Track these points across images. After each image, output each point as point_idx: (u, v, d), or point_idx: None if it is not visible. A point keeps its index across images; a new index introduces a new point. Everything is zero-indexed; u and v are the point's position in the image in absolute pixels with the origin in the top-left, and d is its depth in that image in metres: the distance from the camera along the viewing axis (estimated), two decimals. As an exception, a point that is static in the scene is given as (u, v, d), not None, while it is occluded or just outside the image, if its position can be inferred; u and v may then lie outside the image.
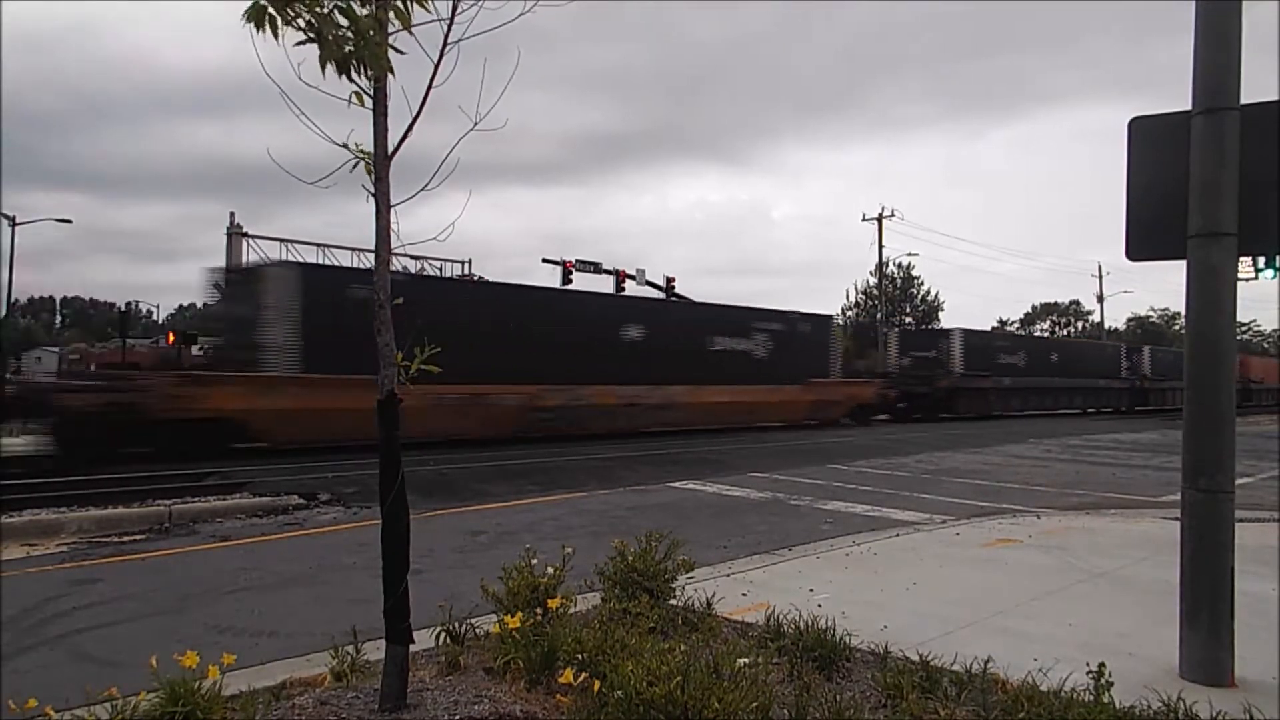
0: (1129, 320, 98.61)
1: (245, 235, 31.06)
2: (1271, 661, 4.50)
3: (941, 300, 68.89)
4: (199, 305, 21.64)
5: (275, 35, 3.11)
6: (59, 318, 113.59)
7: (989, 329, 66.31)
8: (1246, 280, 21.90)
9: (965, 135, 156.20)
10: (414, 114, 3.46)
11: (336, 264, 22.56)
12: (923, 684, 3.85)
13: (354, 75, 3.33)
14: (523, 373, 21.02)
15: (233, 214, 31.28)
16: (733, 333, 27.32)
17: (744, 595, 6.00)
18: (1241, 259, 4.79)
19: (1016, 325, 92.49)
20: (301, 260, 20.21)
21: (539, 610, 4.25)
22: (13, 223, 37.47)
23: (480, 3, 3.45)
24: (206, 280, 21.66)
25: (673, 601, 5.05)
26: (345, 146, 3.44)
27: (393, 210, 3.56)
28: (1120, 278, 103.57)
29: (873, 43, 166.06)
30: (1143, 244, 4.81)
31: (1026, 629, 5.26)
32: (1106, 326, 74.36)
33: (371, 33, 3.26)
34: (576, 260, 34.43)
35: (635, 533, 5.47)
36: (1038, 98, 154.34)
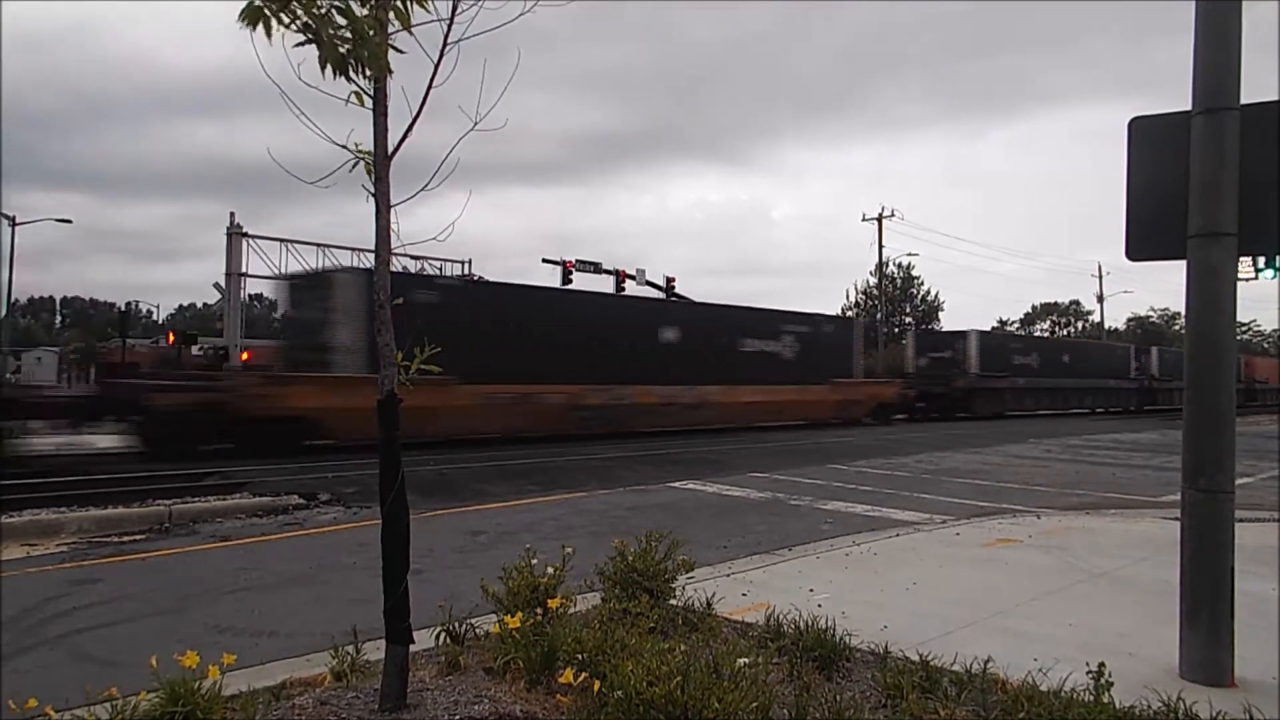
0: (1129, 320, 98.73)
1: (245, 235, 31.15)
2: (1271, 661, 4.50)
3: (941, 300, 69.04)
4: (276, 315, 22.43)
5: (269, 36, 3.11)
6: (59, 318, 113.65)
7: (990, 330, 66.52)
8: (1246, 280, 21.90)
9: (965, 135, 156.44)
10: (414, 114, 3.46)
11: (402, 270, 23.64)
12: (923, 684, 3.85)
13: (353, 75, 3.33)
14: (567, 373, 21.99)
15: (233, 214, 31.39)
16: (762, 334, 28.20)
17: (744, 595, 6.00)
18: (1241, 259, 4.79)
19: (1016, 325, 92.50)
20: (366, 266, 20.92)
21: (539, 610, 4.25)
22: (13, 223, 37.48)
23: (480, 3, 3.45)
24: (277, 291, 23.00)
25: (673, 601, 5.05)
26: (345, 147, 3.44)
27: (393, 210, 3.56)
28: (1120, 278, 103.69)
29: (873, 43, 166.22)
30: (1143, 244, 4.81)
31: (1026, 629, 5.26)
32: (1106, 326, 74.42)
33: (371, 33, 3.26)
34: (576, 260, 34.47)
35: (635, 533, 5.47)
36: (1038, 98, 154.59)
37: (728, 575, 6.69)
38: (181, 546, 8.62)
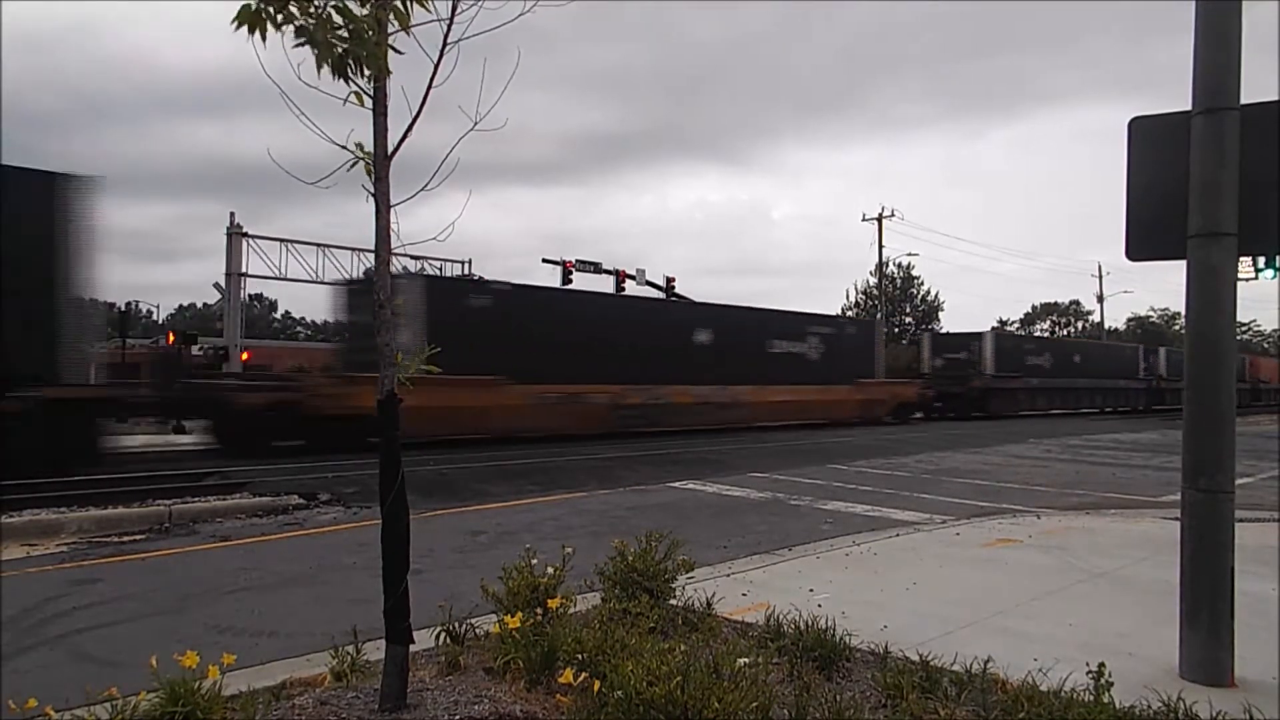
0: (1129, 320, 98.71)
1: (245, 235, 31.13)
2: (1271, 661, 4.50)
3: (941, 300, 68.89)
4: (330, 320, 23.49)
5: (264, 39, 3.11)
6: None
7: (1004, 331, 67.03)
8: (1246, 280, 21.92)
9: (965, 135, 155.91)
10: (414, 114, 3.46)
11: (456, 276, 24.57)
12: (923, 684, 3.85)
13: (351, 76, 3.33)
14: (609, 374, 23.26)
15: (233, 214, 31.36)
16: (789, 336, 29.49)
17: (744, 595, 6.00)
18: (1241, 259, 4.79)
19: (1016, 325, 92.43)
20: (426, 273, 22.17)
21: (539, 610, 4.25)
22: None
23: (480, 3, 3.45)
24: (334, 295, 23.97)
25: (673, 601, 5.05)
26: (345, 147, 3.44)
27: (393, 210, 3.56)
28: (1120, 278, 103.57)
29: (873, 43, 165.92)
30: (1143, 244, 4.81)
31: (1026, 629, 5.26)
32: (1107, 326, 74.42)
33: (370, 33, 3.26)
34: (576, 260, 34.49)
35: (635, 533, 5.47)
36: (1038, 98, 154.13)
37: (728, 575, 6.69)
38: (181, 546, 8.62)
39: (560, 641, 3.92)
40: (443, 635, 4.50)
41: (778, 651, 4.40)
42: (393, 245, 3.60)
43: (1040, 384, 41.66)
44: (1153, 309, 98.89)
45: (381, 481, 3.62)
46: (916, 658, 4.20)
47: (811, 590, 6.17)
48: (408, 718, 3.46)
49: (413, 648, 3.74)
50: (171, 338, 33.17)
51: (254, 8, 3.09)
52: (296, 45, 3.18)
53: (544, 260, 35.30)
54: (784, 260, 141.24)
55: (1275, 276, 21.47)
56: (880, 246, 51.10)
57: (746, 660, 3.76)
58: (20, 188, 13.34)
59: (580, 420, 22.64)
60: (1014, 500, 11.78)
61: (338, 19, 3.22)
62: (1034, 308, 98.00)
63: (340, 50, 3.23)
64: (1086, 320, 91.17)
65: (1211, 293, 4.40)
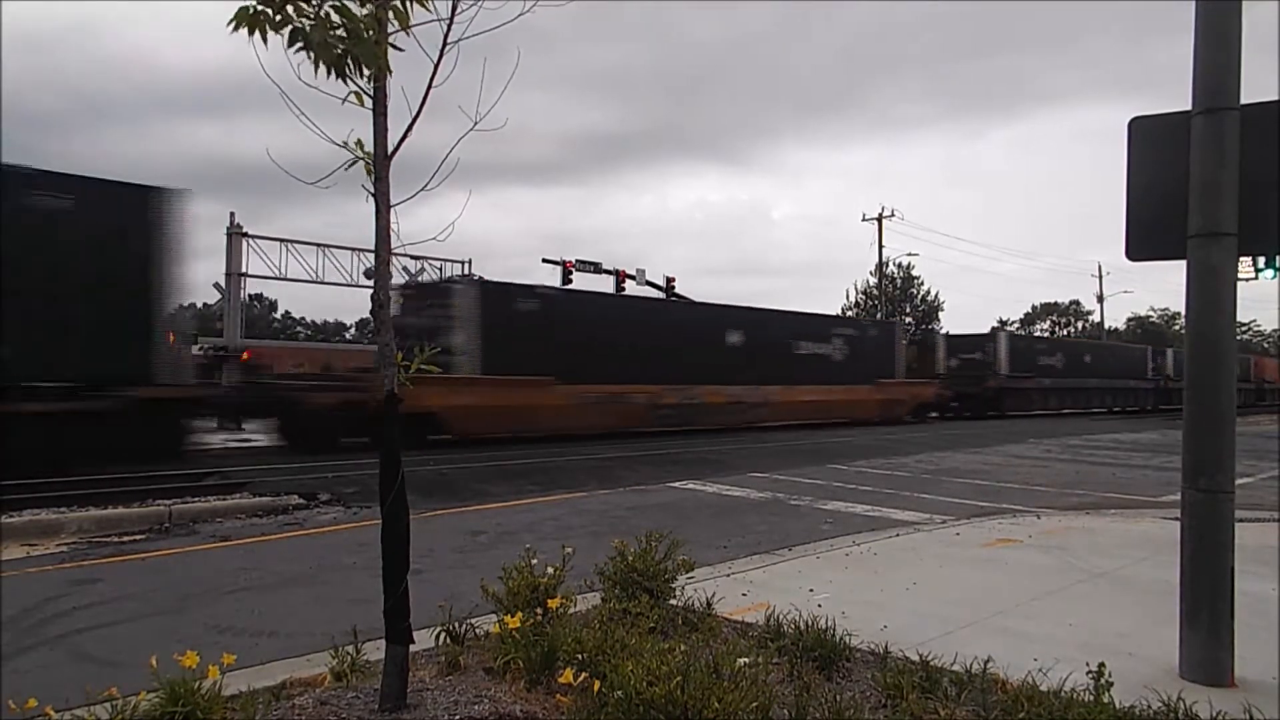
0: (1129, 320, 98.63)
1: (245, 235, 31.12)
2: (1271, 661, 4.50)
3: (941, 300, 68.84)
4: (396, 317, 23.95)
5: (265, 40, 3.11)
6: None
7: (1017, 332, 67.42)
8: (1246, 280, 21.93)
9: (965, 135, 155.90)
10: (414, 114, 3.46)
11: (507, 281, 25.49)
12: (923, 684, 3.85)
13: (350, 75, 3.33)
14: (648, 375, 24.21)
15: (233, 214, 31.33)
16: (814, 338, 30.53)
17: (744, 595, 6.00)
18: (1241, 259, 4.78)
19: (1016, 325, 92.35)
20: (482, 278, 22.65)
21: (539, 610, 4.25)
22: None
23: (480, 3, 3.45)
24: (402, 300, 24.59)
25: (673, 601, 5.05)
26: (345, 146, 3.44)
27: (393, 210, 3.56)
28: (1120, 278, 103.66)
29: (873, 43, 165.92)
30: (1143, 244, 4.81)
31: (1026, 629, 5.26)
32: (1107, 326, 74.41)
33: (370, 33, 3.26)
34: (576, 260, 34.47)
35: (635, 533, 5.47)
36: (1038, 98, 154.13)
37: (728, 575, 6.69)
38: (181, 546, 8.62)
39: (560, 641, 3.92)
40: (443, 635, 4.50)
41: (778, 651, 4.40)
42: (393, 245, 3.60)
43: (1052, 384, 42.50)
44: (1153, 309, 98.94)
45: (381, 481, 3.62)
46: (916, 658, 4.20)
47: (811, 590, 6.17)
48: (408, 718, 3.46)
49: (413, 648, 3.74)
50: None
51: (252, 10, 3.09)
52: (296, 49, 3.18)
53: (544, 260, 35.33)
54: (784, 260, 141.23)
55: (1275, 276, 21.49)
56: (880, 246, 51.16)
57: (746, 660, 3.76)
58: (122, 201, 14.46)
59: (621, 419, 23.51)
60: (1014, 500, 11.78)
61: (336, 19, 3.22)
62: (1034, 308, 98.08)
63: (339, 50, 3.23)
64: (1086, 320, 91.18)
65: (1211, 293, 4.40)
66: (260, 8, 3.10)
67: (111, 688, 3.39)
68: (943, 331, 54.84)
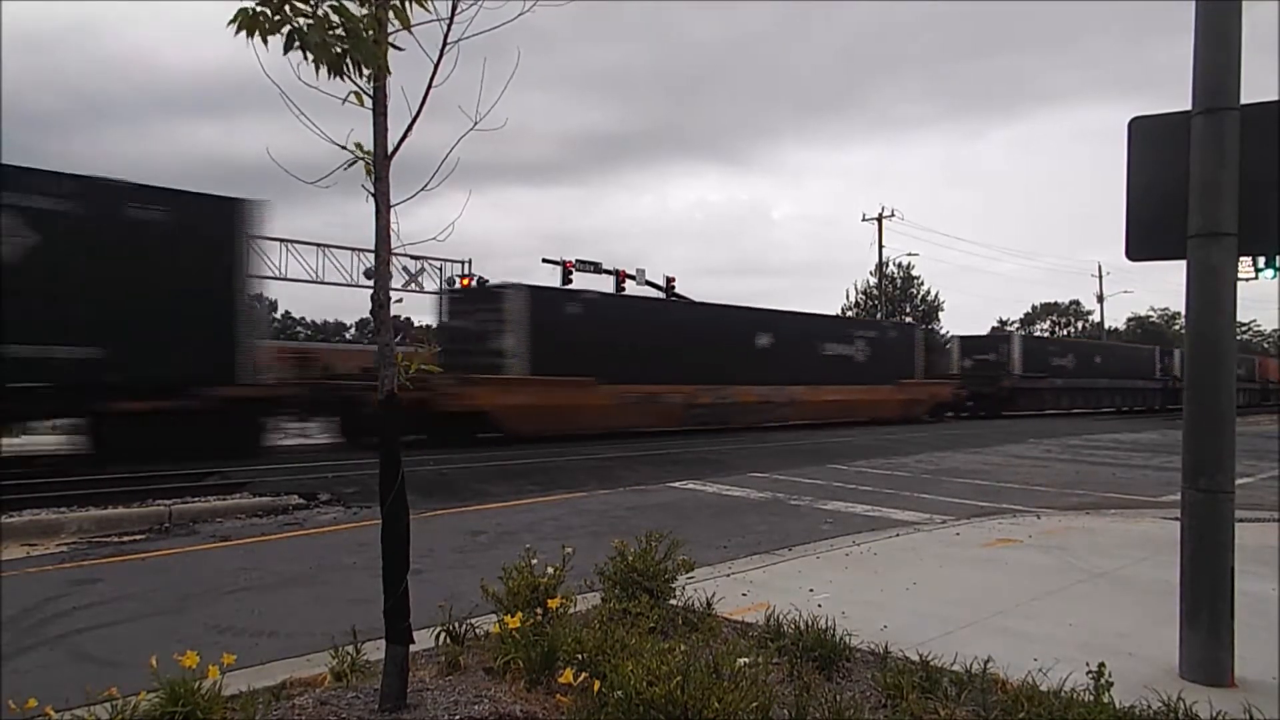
0: (1129, 320, 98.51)
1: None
2: (1271, 661, 4.50)
3: (941, 300, 68.80)
4: (433, 324, 25.04)
5: (265, 42, 3.11)
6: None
7: (1029, 334, 67.84)
8: (1246, 280, 21.96)
9: (965, 135, 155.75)
10: (414, 114, 3.46)
11: (553, 286, 26.46)
12: (923, 684, 3.85)
13: (349, 75, 3.32)
14: (683, 376, 25.06)
15: (233, 214, 31.29)
16: (838, 339, 31.63)
17: (744, 595, 6.00)
18: (1241, 259, 4.78)
19: (1016, 325, 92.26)
20: (530, 283, 23.17)
21: (539, 610, 4.25)
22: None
23: (480, 3, 3.45)
24: (437, 302, 25.34)
25: (673, 601, 5.05)
26: (345, 147, 3.44)
27: (393, 210, 3.56)
28: (1120, 278, 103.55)
29: (873, 43, 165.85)
30: (1143, 244, 4.81)
31: (1026, 629, 5.25)
32: (1107, 326, 74.36)
33: (369, 32, 3.26)
34: (576, 260, 34.44)
35: (635, 533, 5.47)
36: (1038, 98, 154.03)
37: (728, 575, 6.69)
38: (181, 546, 8.62)
39: (560, 641, 3.92)
40: (443, 635, 4.50)
41: (778, 651, 4.40)
42: (393, 245, 3.60)
43: (1064, 384, 43.33)
44: (1153, 309, 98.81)
45: (381, 481, 3.62)
46: (916, 658, 4.20)
47: (811, 590, 6.17)
48: (408, 718, 3.46)
49: (413, 648, 3.74)
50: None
51: (251, 11, 3.09)
52: (294, 50, 3.17)
53: (544, 260, 35.29)
54: (784, 260, 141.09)
55: (1275, 276, 21.51)
56: (880, 246, 51.16)
57: (746, 660, 3.76)
58: (211, 211, 15.68)
59: (658, 418, 24.45)
60: (1014, 500, 11.78)
61: (335, 19, 3.22)
62: (1034, 308, 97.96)
63: (338, 51, 3.23)
64: (1086, 320, 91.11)
65: (1211, 293, 4.40)
66: (259, 9, 3.10)
67: (111, 688, 3.39)
68: (944, 332, 55.03)
